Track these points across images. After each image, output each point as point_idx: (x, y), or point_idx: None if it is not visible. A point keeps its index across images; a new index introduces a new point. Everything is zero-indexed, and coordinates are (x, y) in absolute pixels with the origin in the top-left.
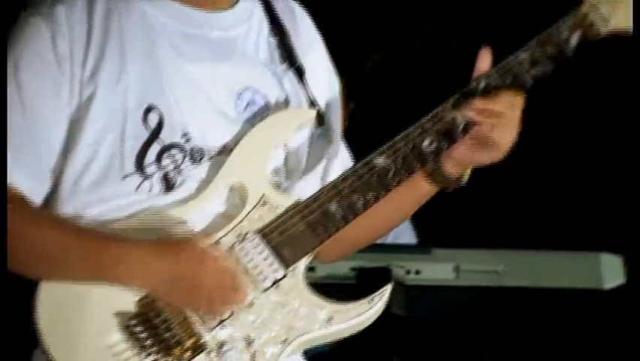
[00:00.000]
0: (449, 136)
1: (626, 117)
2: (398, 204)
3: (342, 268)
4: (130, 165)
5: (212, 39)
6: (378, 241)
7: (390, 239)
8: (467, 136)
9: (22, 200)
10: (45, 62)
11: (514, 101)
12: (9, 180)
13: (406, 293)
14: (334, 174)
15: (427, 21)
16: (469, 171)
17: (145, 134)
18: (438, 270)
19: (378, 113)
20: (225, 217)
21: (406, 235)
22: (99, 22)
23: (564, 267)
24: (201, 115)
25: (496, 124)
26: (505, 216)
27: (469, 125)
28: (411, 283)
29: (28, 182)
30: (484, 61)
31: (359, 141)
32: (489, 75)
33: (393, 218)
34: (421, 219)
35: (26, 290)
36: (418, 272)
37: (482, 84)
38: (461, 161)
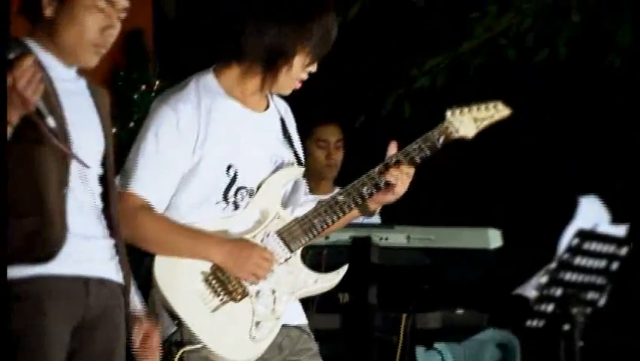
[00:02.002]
0: (377, 186)
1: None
2: (341, 221)
3: (344, 237)
4: (220, 197)
5: (262, 128)
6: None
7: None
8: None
9: (150, 207)
10: (173, 135)
11: (409, 170)
12: (145, 195)
13: (379, 250)
14: (300, 199)
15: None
16: (379, 208)
17: (228, 180)
18: (397, 238)
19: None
20: (258, 223)
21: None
22: (204, 114)
23: (468, 236)
24: (255, 171)
25: (400, 181)
26: (436, 207)
27: (388, 182)
28: (382, 245)
29: (158, 202)
30: (393, 148)
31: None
32: (397, 155)
33: (341, 223)
34: (389, 208)
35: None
36: (386, 239)
37: (393, 160)
38: (379, 201)
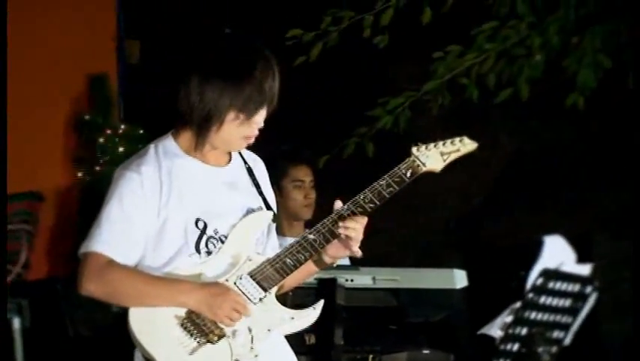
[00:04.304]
0: (332, 234)
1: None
2: (302, 273)
3: (309, 278)
4: (192, 249)
5: (225, 181)
6: None
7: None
8: (336, 241)
9: (117, 262)
10: (137, 196)
11: (362, 221)
12: (110, 254)
13: (345, 292)
14: (269, 249)
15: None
16: (336, 262)
17: (198, 232)
18: (363, 279)
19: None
20: (230, 267)
21: (343, 259)
22: (165, 175)
23: (435, 276)
24: (224, 220)
25: (352, 234)
26: (400, 251)
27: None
28: (348, 286)
29: (124, 260)
30: (338, 204)
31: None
32: (365, 194)
33: (301, 278)
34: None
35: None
36: (352, 280)
37: (362, 197)
38: (334, 255)
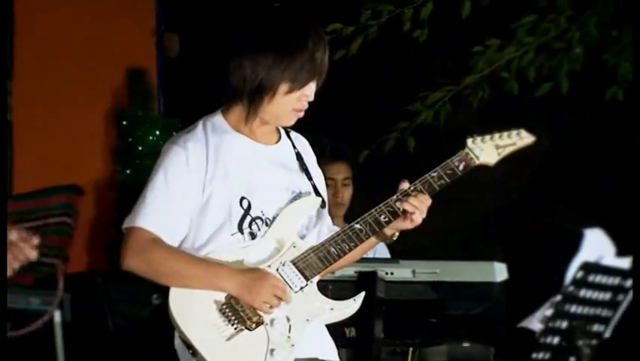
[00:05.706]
0: (394, 215)
1: None
2: (359, 249)
3: (350, 271)
4: (235, 228)
5: (273, 160)
6: (369, 256)
7: (371, 254)
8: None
9: (161, 240)
10: (182, 172)
11: (426, 200)
12: (154, 230)
13: (385, 285)
14: (325, 230)
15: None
16: (397, 234)
17: (242, 212)
18: (403, 272)
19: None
20: (275, 251)
21: (383, 252)
22: (212, 151)
23: (475, 269)
24: (270, 201)
25: (418, 211)
26: (439, 244)
27: (405, 211)
28: (388, 279)
29: (168, 237)
30: (404, 184)
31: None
32: (417, 184)
33: (356, 255)
34: (395, 244)
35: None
36: (392, 273)
37: (412, 189)
38: (396, 228)
